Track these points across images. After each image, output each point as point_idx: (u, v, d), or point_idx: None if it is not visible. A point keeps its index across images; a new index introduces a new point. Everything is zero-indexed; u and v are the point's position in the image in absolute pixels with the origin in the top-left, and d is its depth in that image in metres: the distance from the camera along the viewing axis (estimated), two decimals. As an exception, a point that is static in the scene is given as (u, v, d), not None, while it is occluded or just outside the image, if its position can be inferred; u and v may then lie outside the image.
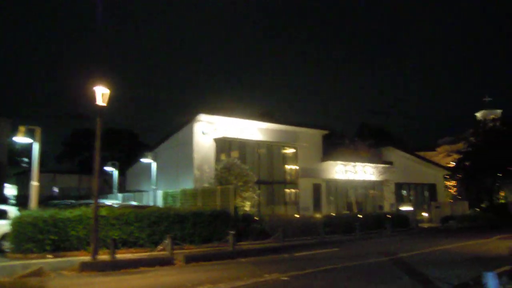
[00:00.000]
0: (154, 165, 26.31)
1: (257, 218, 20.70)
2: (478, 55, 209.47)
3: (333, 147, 31.42)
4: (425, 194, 38.13)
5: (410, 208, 28.57)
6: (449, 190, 40.75)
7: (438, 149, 46.85)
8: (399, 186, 35.91)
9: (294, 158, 29.62)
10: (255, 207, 23.53)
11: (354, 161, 31.30)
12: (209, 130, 26.08)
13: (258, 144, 27.96)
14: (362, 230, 22.39)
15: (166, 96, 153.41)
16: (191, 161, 25.69)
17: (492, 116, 35.50)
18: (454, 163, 34.37)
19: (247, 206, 22.37)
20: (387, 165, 33.99)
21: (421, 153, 43.38)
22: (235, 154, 26.68)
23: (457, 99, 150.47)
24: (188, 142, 26.09)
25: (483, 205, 30.22)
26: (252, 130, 27.81)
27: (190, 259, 13.45)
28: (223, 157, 25.41)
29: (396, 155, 36.00)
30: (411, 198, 37.10)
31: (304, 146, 29.58)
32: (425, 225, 28.31)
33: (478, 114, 49.38)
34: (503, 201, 31.57)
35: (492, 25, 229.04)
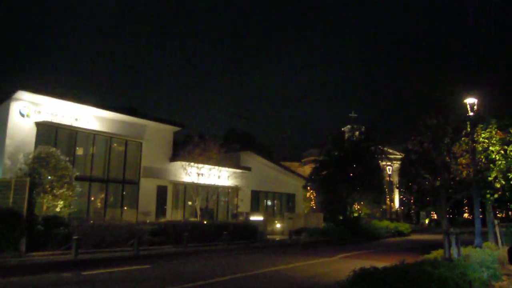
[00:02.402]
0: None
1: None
2: (349, 74, 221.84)
3: (182, 145, 27.85)
4: (283, 204, 36.28)
5: (260, 218, 25.86)
6: (310, 202, 39.43)
7: (303, 160, 45.77)
8: (256, 194, 33.52)
9: (137, 155, 25.67)
10: (74, 208, 19.25)
11: (208, 163, 27.86)
12: (31, 111, 21.13)
13: (94, 134, 23.60)
14: (200, 240, 19.39)
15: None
16: (3, 148, 20.55)
17: (356, 132, 34.48)
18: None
19: (59, 207, 17.96)
20: (244, 171, 31.30)
21: (287, 163, 41.90)
22: (63, 144, 22.02)
23: (330, 115, 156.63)
24: (1, 124, 20.97)
25: (341, 218, 28.61)
26: (88, 118, 23.27)
27: None
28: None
29: (255, 161, 33.59)
30: (268, 207, 34.96)
31: (150, 142, 25.76)
32: (277, 237, 25.92)
33: (344, 129, 49.65)
34: (356, 214, 30.36)
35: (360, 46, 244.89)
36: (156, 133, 26.59)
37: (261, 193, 34.45)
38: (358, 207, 33.14)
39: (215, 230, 21.13)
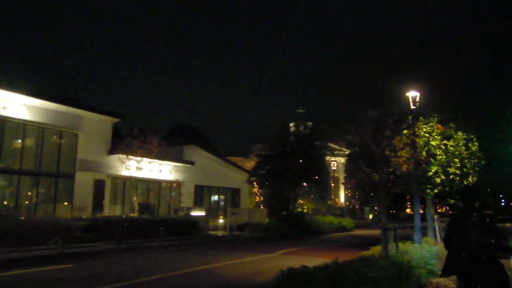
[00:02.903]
0: None
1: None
2: (298, 69, 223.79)
3: (120, 138, 26.49)
4: (228, 199, 35.57)
5: (202, 214, 25.01)
6: (256, 197, 38.82)
7: (251, 155, 45.03)
8: (199, 189, 32.62)
9: (73, 147, 24.24)
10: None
11: (148, 157, 26.66)
12: None
13: (24, 124, 22.01)
14: (135, 237, 18.42)
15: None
16: None
17: (301, 127, 33.95)
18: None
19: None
20: (187, 165, 30.33)
21: (234, 158, 41.08)
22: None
23: (280, 111, 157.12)
24: None
25: (284, 213, 28.11)
26: (18, 106, 21.61)
27: None
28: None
29: (199, 155, 32.66)
30: (212, 202, 34.17)
31: (88, 134, 24.39)
32: (220, 233, 25.12)
33: (291, 124, 49.34)
34: (299, 209, 29.97)
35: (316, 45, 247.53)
36: (94, 125, 25.21)
37: (205, 188, 33.59)
38: (302, 202, 32.86)
39: (153, 226, 20.14)
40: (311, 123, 34.09)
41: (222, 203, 35.13)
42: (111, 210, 26.07)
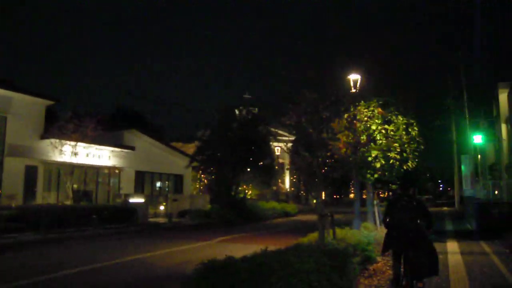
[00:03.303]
0: None
1: None
2: (245, 56, 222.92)
3: (53, 121, 24.92)
4: (171, 185, 34.69)
5: (141, 200, 24.04)
6: (200, 183, 38.03)
7: (196, 141, 44.06)
8: (141, 175, 31.55)
9: (1, 131, 22.66)
10: None
11: (84, 141, 25.21)
12: None
13: None
14: (67, 226, 17.49)
15: None
16: None
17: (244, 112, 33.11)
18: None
19: None
20: (127, 150, 29.16)
21: (179, 144, 40.00)
22: None
23: (228, 96, 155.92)
24: None
25: (226, 199, 27.48)
26: None
27: None
28: None
29: (141, 140, 31.53)
30: (154, 188, 33.21)
31: (18, 117, 22.92)
32: (161, 220, 24.27)
33: (237, 110, 48.60)
34: (242, 195, 29.43)
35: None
36: (26, 107, 23.68)
37: (147, 174, 32.61)
38: (246, 188, 32.36)
39: (86, 214, 19.11)
40: (257, 109, 33.54)
41: (167, 189, 34.28)
42: (45, 198, 24.74)
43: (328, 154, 10.75)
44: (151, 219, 24.41)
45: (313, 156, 9.78)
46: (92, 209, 19.91)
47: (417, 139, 14.63)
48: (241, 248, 12.35)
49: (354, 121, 12.24)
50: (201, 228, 21.66)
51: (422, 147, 15.07)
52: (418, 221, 6.65)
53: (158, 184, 34.28)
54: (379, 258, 10.74)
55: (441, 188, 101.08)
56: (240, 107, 30.78)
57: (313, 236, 9.82)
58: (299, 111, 9.41)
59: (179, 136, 48.36)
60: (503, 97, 26.76)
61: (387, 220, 6.97)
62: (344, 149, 10.95)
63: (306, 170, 9.86)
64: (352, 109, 12.69)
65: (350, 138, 11.92)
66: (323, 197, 57.79)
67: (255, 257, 6.00)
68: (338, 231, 10.69)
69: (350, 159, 12.52)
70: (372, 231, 13.14)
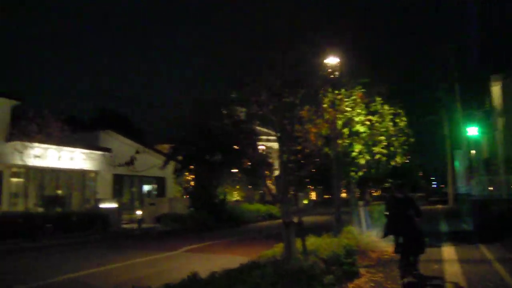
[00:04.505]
0: None
1: None
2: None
3: (22, 122, 23.14)
4: (152, 188, 32.96)
5: (113, 205, 22.34)
6: (183, 186, 36.28)
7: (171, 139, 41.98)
8: (119, 178, 29.78)
9: (-39, 133, 20.94)
10: None
11: (57, 143, 23.46)
12: None
13: None
14: (19, 236, 15.97)
15: None
16: None
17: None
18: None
19: None
20: (103, 152, 27.43)
21: (163, 146, 38.31)
22: None
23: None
24: None
25: (203, 202, 25.72)
26: None
27: None
28: None
29: (118, 141, 29.67)
30: (133, 192, 31.46)
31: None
32: (135, 226, 22.57)
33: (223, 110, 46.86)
34: (222, 197, 27.56)
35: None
36: (-11, 108, 21.95)
37: (126, 177, 30.80)
38: (229, 189, 30.67)
39: (44, 222, 17.42)
40: (244, 110, 31.76)
41: (148, 193, 32.56)
42: (11, 205, 22.94)
43: (299, 148, 9.16)
44: (125, 225, 22.79)
45: (281, 151, 8.25)
46: (50, 217, 18.28)
47: (406, 131, 13.17)
48: (207, 260, 10.84)
49: (330, 109, 10.57)
50: (173, 235, 19.95)
51: (412, 140, 13.59)
52: (409, 213, 8.54)
53: (140, 188, 32.56)
54: (362, 271, 9.19)
55: (434, 185, 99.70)
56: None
57: (281, 247, 8.17)
58: (256, 90, 7.83)
59: (165, 139, 46.74)
60: (496, 89, 25.78)
61: (386, 213, 9.09)
62: (315, 141, 9.32)
63: (282, 168, 8.35)
64: (329, 96, 11.04)
65: (325, 129, 10.22)
66: (314, 197, 56.29)
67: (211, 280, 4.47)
68: (312, 240, 9.09)
69: (324, 151, 10.83)
70: (355, 237, 11.50)
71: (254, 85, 7.82)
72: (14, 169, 23.15)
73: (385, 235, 9.21)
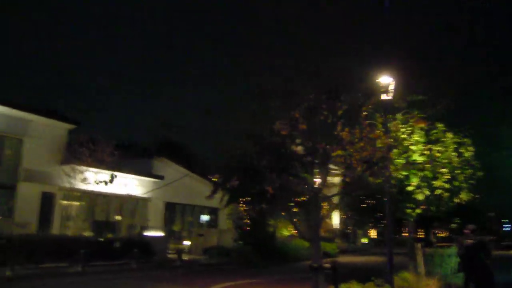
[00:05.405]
0: None
1: None
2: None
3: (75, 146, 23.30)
4: (204, 218, 32.43)
5: (159, 234, 21.74)
6: (233, 218, 35.39)
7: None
8: (171, 206, 29.51)
9: (16, 155, 21.40)
10: None
11: (110, 169, 23.41)
12: None
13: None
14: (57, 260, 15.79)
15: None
16: None
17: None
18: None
19: None
20: (156, 180, 27.26)
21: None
22: None
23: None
24: None
25: (251, 237, 24.57)
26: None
27: None
28: None
29: (172, 169, 29.66)
30: (185, 222, 31.04)
31: (36, 140, 21.59)
32: (186, 257, 21.82)
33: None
34: (271, 229, 26.16)
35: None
36: (45, 131, 22.40)
37: (178, 206, 30.50)
38: (280, 224, 29.26)
39: (77, 247, 17.00)
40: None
41: (205, 222, 32.12)
42: (62, 227, 22.92)
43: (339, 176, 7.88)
44: (171, 255, 22.12)
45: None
46: (94, 242, 17.85)
47: (472, 162, 11.48)
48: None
49: (380, 132, 9.15)
50: (213, 269, 18.98)
51: (480, 173, 11.84)
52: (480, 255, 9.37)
53: (192, 217, 32.08)
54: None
55: (508, 228, 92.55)
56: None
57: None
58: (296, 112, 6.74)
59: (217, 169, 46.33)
60: None
61: (460, 252, 10.07)
62: (360, 168, 8.00)
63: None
64: (380, 119, 9.72)
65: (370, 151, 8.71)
66: (375, 236, 53.45)
67: None
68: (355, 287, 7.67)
69: (367, 181, 9.36)
70: (410, 286, 9.81)
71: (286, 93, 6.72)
72: (66, 192, 23.27)
73: (459, 271, 10.83)
